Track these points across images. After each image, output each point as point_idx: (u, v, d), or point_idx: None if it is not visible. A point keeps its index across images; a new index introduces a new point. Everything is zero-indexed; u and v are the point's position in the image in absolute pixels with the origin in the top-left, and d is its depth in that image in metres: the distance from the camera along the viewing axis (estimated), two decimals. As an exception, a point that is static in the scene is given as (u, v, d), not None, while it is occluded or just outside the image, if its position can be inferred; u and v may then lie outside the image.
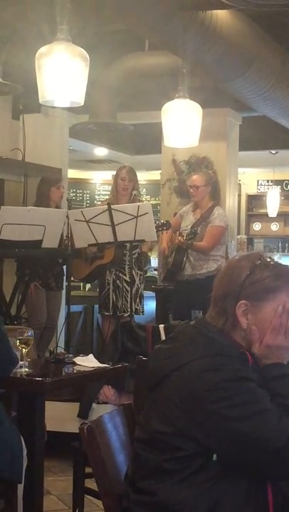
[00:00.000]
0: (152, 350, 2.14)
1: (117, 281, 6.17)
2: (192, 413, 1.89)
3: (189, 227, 6.30)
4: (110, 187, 6.93)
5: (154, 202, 10.72)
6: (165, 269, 6.56)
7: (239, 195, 10.81)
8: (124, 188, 6.28)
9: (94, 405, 4.78)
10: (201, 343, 1.97)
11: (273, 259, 2.07)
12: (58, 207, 6.25)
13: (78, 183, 12.20)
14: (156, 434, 1.95)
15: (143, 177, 11.40)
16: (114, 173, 6.52)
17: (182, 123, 5.46)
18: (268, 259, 2.05)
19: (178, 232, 6.36)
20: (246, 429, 1.85)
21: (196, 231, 6.15)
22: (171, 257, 6.37)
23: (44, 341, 6.17)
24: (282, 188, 12.30)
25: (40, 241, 5.56)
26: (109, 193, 7.31)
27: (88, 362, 3.79)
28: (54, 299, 6.37)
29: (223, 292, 2.01)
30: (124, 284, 6.16)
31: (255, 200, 12.70)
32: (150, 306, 7.09)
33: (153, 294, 7.24)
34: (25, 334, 3.49)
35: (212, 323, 2.02)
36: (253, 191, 12.70)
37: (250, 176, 12.33)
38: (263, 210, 12.21)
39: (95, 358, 3.90)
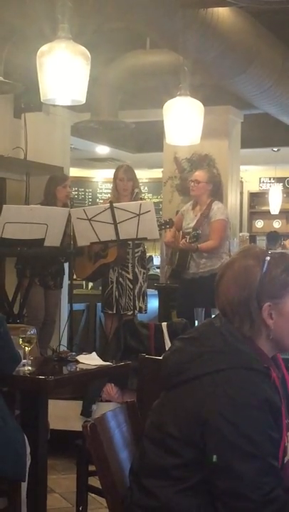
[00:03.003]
0: (172, 346, 2.06)
1: (120, 280, 6.15)
2: (204, 423, 1.86)
3: (190, 225, 6.22)
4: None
5: (156, 200, 10.73)
6: (170, 268, 6.53)
7: (241, 193, 10.83)
8: (124, 188, 6.25)
9: (97, 403, 4.79)
10: (226, 353, 1.92)
11: (274, 252, 2.06)
12: (64, 206, 6.22)
13: (80, 182, 12.20)
14: (168, 438, 1.92)
15: (145, 175, 11.41)
16: (115, 171, 6.51)
17: (184, 121, 5.46)
18: (272, 253, 2.03)
19: (181, 233, 6.32)
20: (235, 462, 1.82)
21: (198, 234, 6.03)
22: (175, 257, 6.33)
23: (44, 337, 6.16)
24: (284, 186, 12.31)
25: (43, 239, 5.57)
26: (111, 190, 7.30)
27: (91, 360, 3.79)
28: (52, 298, 6.35)
29: (244, 296, 1.95)
30: (128, 283, 6.15)
31: (257, 198, 12.70)
32: (153, 304, 7.08)
33: (155, 292, 7.25)
34: (28, 332, 3.49)
35: (237, 328, 1.96)
36: (255, 189, 12.69)
37: (252, 174, 12.33)
38: (265, 208, 12.22)
39: (98, 356, 3.90)
